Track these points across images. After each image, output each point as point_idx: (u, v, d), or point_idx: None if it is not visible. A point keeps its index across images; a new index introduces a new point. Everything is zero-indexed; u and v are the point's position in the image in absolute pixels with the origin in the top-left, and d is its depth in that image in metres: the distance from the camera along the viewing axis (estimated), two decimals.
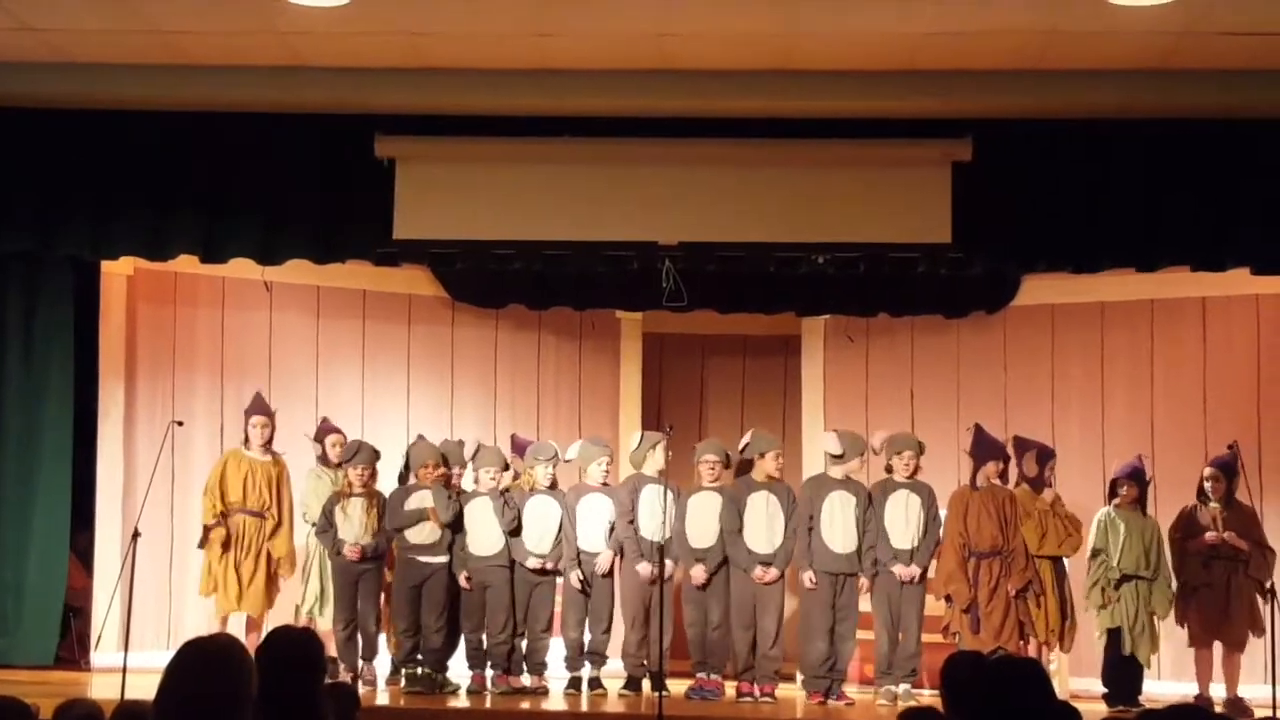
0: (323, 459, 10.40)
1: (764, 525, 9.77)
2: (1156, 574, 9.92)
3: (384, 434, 10.85)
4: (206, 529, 10.09)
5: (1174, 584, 9.97)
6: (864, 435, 10.25)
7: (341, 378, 11.65)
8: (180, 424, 10.15)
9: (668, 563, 9.61)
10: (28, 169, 9.52)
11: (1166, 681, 10.37)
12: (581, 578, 9.77)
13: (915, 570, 9.68)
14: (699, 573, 9.75)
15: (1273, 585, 9.17)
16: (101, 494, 10.61)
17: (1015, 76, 8.92)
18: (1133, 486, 10.07)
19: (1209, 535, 9.79)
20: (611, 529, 9.86)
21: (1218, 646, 9.87)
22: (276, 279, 11.07)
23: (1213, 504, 9.91)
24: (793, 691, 9.97)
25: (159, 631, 10.59)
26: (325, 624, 9.93)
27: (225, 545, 9.97)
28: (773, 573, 9.72)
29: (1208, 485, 9.96)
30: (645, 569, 9.70)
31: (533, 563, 9.76)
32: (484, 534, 9.77)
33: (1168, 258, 9.58)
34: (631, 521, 9.80)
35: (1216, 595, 9.81)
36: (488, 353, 12.09)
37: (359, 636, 9.82)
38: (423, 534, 9.73)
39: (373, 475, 10.05)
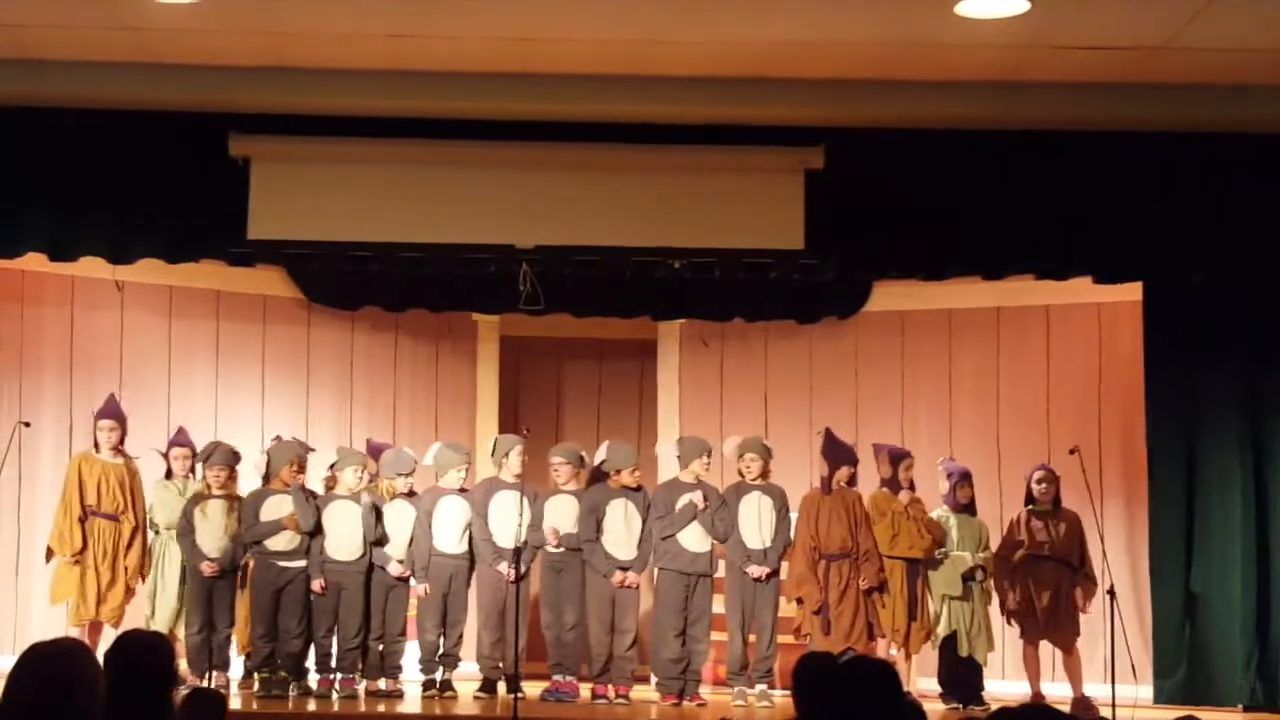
0: (169, 474, 10.14)
1: (623, 530, 9.84)
2: (987, 574, 10.15)
3: (239, 437, 10.68)
4: (50, 550, 9.78)
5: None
6: (715, 439, 10.37)
7: (195, 379, 11.51)
8: (28, 425, 10.02)
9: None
10: None
11: (1010, 680, 10.59)
12: (427, 589, 9.76)
13: (764, 569, 9.80)
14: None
15: (1112, 587, 9.37)
16: None
17: (866, 86, 9.03)
18: (966, 487, 10.30)
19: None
20: (466, 531, 9.86)
21: (1044, 645, 10.11)
22: (128, 278, 10.90)
23: (1039, 507, 10.12)
24: (647, 693, 10.03)
25: (4, 636, 10.33)
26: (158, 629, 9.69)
27: (82, 550, 9.69)
28: (632, 577, 9.81)
29: (1038, 489, 10.17)
30: (504, 569, 9.70)
31: (395, 569, 9.74)
32: (344, 538, 9.70)
33: (1013, 266, 9.81)
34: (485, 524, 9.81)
35: (1046, 597, 10.03)
36: (344, 355, 12.02)
37: (211, 643, 9.67)
38: (281, 540, 9.62)
39: (231, 477, 9.91)
